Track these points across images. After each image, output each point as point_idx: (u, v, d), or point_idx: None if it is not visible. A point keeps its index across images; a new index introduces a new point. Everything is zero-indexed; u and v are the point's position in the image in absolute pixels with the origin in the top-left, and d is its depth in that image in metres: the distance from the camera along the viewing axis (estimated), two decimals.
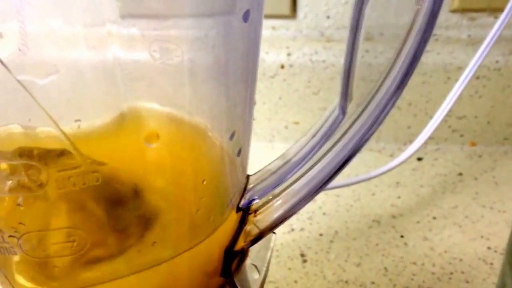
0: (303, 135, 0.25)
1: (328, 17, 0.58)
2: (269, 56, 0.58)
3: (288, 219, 0.22)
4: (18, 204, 0.18)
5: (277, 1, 0.57)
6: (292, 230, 0.46)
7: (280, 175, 0.24)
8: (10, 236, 0.18)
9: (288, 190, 0.22)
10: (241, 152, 0.23)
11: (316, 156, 0.21)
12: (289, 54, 0.58)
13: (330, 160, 0.21)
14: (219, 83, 0.20)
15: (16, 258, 0.19)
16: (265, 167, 0.25)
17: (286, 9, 0.57)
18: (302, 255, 0.43)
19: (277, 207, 0.23)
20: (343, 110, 0.22)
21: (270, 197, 0.23)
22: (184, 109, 0.20)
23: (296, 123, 0.61)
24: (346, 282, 0.39)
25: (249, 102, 0.23)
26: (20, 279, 0.20)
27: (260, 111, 0.61)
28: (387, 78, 0.20)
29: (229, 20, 0.19)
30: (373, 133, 0.20)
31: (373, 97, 0.20)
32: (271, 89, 0.59)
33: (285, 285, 0.39)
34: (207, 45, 0.19)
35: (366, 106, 0.20)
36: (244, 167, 0.24)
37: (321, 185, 0.21)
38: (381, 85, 0.20)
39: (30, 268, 0.20)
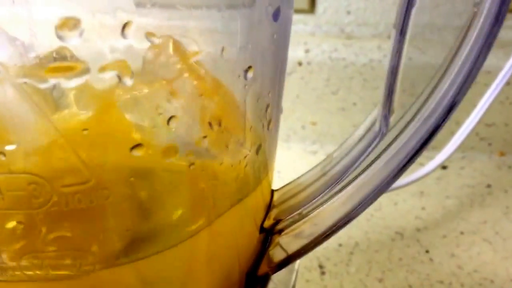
0: (333, 144, 0.23)
1: (348, 12, 0.56)
2: None
3: (320, 245, 0.20)
4: (19, 222, 0.16)
5: None
6: None
7: (311, 193, 0.21)
8: (8, 256, 0.17)
9: (318, 211, 0.20)
10: (267, 165, 0.21)
11: (353, 173, 0.19)
12: (307, 51, 0.56)
13: (370, 178, 0.19)
14: (244, 92, 0.18)
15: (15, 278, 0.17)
16: (292, 181, 0.23)
17: (304, 3, 0.55)
18: (321, 267, 0.41)
19: (306, 230, 0.20)
20: (386, 123, 0.19)
21: (297, 217, 0.21)
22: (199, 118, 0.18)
23: (314, 123, 0.59)
24: None
25: (277, 111, 0.20)
26: None
27: None
28: (437, 89, 0.17)
29: (257, 19, 0.17)
30: (420, 153, 0.18)
31: (419, 110, 0.18)
32: (288, 87, 0.57)
33: None
34: (228, 41, 0.17)
35: (411, 120, 0.18)
36: (269, 182, 0.22)
37: (361, 206, 0.19)
38: (429, 97, 0.18)
39: None
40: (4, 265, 0.17)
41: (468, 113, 0.46)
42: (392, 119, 0.19)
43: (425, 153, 0.53)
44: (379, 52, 0.55)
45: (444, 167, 0.54)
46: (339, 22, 0.56)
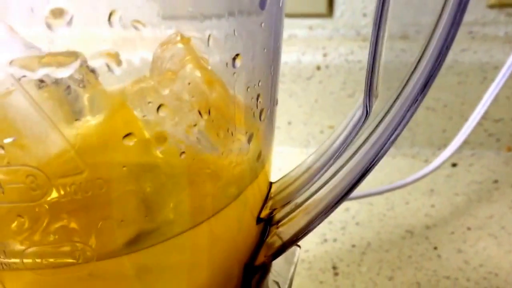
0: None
1: (364, 15, 0.56)
2: (305, 57, 0.56)
3: (312, 230, 0.20)
4: (19, 215, 0.16)
5: None
6: (325, 240, 0.44)
7: (301, 183, 0.22)
8: (11, 250, 0.17)
9: (311, 199, 0.20)
10: (261, 157, 0.21)
11: (340, 160, 0.20)
12: (325, 55, 0.56)
13: (352, 168, 0.20)
14: (233, 80, 0.18)
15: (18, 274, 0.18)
16: (288, 173, 0.23)
17: (322, 7, 0.56)
18: (334, 268, 0.41)
19: (300, 218, 0.21)
20: (367, 108, 0.20)
21: (293, 207, 0.21)
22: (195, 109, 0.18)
23: (331, 127, 0.59)
24: None
25: (270, 101, 0.21)
26: None
27: (295, 115, 0.59)
28: (412, 76, 0.18)
29: (244, 6, 0.18)
30: (396, 137, 0.18)
31: (397, 97, 0.18)
32: (307, 91, 0.57)
33: None
34: (221, 39, 0.17)
35: (390, 107, 0.18)
36: (266, 173, 0.22)
37: (344, 194, 0.20)
38: (406, 84, 0.18)
39: None
40: (7, 260, 0.17)
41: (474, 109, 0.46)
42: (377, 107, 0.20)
43: (434, 150, 0.53)
44: (392, 53, 0.55)
45: (454, 164, 0.54)
46: (356, 24, 0.56)
